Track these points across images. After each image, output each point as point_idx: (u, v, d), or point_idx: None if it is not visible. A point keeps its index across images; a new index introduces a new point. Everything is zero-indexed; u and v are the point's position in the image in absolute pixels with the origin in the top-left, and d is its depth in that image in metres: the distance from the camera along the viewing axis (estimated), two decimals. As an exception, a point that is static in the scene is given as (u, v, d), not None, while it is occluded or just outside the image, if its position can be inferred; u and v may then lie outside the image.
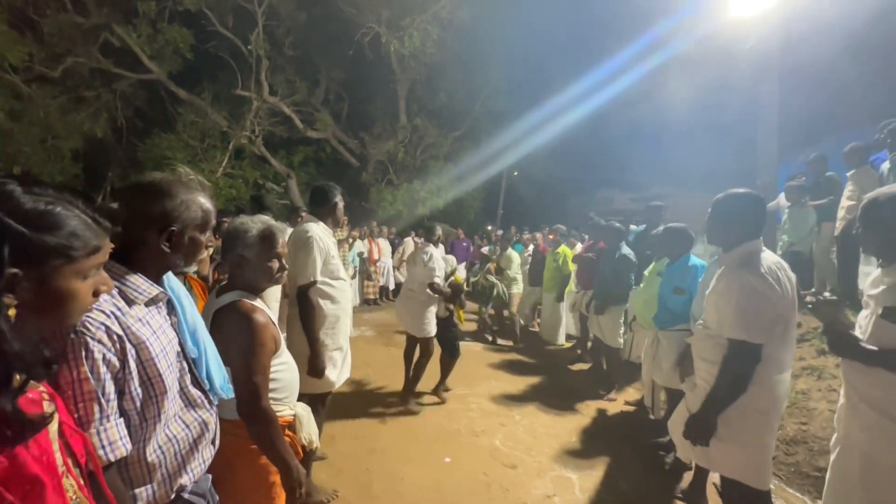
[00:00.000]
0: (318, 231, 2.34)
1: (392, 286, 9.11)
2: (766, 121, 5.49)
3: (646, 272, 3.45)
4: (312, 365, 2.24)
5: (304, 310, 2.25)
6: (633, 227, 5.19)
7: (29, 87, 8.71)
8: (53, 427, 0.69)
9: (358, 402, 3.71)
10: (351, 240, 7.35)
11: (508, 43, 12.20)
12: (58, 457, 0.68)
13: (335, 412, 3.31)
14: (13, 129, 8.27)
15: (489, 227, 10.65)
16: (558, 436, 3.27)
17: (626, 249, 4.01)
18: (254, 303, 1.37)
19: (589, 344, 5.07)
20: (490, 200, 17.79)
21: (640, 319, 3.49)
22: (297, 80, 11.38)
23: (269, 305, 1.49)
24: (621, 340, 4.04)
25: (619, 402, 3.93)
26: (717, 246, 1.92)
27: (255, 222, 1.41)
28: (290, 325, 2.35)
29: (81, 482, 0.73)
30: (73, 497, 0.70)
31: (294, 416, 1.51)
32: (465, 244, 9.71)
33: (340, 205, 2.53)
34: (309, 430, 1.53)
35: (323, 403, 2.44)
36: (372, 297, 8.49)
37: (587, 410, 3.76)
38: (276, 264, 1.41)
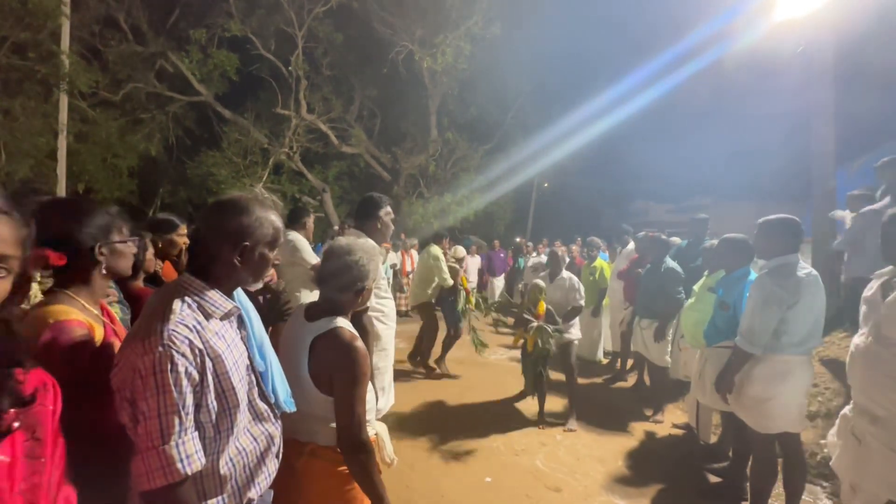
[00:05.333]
0: None
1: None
2: (821, 127, 5.16)
3: (695, 287, 3.29)
4: None
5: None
6: (676, 240, 4.98)
7: (94, 111, 9.50)
8: None
9: (392, 417, 3.70)
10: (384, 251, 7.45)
11: (539, 55, 12.22)
12: None
13: (373, 425, 3.31)
14: (80, 150, 9.02)
15: (518, 240, 10.55)
16: (603, 458, 3.13)
17: (671, 262, 3.85)
18: (351, 329, 1.33)
19: (630, 361, 4.87)
20: (520, 212, 17.65)
21: (688, 337, 3.32)
22: (333, 98, 11.81)
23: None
24: (668, 359, 3.85)
25: (666, 425, 3.72)
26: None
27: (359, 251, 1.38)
28: None
29: None
30: None
31: (376, 434, 1.52)
32: (501, 255, 9.75)
33: (387, 217, 2.37)
34: (388, 447, 1.54)
35: None
36: (404, 308, 8.54)
37: (633, 432, 3.58)
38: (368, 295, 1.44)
